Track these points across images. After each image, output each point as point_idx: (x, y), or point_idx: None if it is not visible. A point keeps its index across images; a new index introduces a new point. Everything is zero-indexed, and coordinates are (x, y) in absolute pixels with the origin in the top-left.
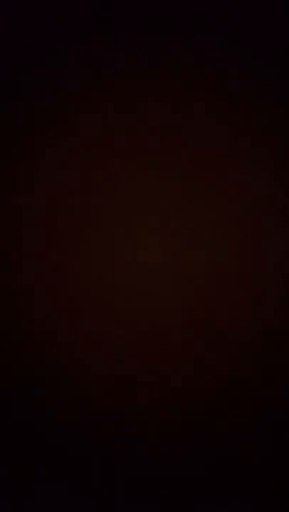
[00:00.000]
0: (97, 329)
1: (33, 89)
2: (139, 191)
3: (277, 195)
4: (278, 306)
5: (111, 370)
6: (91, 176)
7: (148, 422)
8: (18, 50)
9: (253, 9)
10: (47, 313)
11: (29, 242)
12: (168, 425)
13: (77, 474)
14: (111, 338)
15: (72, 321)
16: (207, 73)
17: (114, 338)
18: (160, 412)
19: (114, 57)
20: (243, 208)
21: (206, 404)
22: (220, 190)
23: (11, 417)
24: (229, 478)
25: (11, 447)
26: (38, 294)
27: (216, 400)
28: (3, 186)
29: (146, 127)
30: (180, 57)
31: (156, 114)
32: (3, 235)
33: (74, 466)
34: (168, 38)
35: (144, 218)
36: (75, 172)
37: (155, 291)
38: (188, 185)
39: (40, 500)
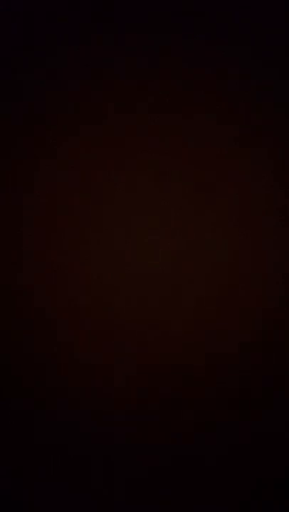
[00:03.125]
0: (97, 329)
1: (33, 89)
2: (139, 191)
3: (277, 195)
4: (278, 306)
5: (110, 371)
6: (91, 176)
7: (148, 421)
8: (18, 50)
9: (253, 9)
10: (47, 313)
11: (29, 242)
12: (168, 425)
13: (77, 474)
14: (111, 338)
15: (72, 321)
16: (207, 73)
17: (114, 339)
18: (160, 412)
19: (114, 57)
20: (243, 208)
21: (206, 404)
22: (220, 190)
23: (10, 416)
24: (229, 479)
25: (11, 447)
26: (38, 294)
27: (216, 400)
28: (3, 186)
29: (146, 127)
30: (180, 57)
31: (156, 114)
32: (3, 236)
33: (74, 466)
34: (168, 38)
35: (144, 218)
36: (75, 172)
37: (155, 291)
38: (188, 185)
39: (40, 500)
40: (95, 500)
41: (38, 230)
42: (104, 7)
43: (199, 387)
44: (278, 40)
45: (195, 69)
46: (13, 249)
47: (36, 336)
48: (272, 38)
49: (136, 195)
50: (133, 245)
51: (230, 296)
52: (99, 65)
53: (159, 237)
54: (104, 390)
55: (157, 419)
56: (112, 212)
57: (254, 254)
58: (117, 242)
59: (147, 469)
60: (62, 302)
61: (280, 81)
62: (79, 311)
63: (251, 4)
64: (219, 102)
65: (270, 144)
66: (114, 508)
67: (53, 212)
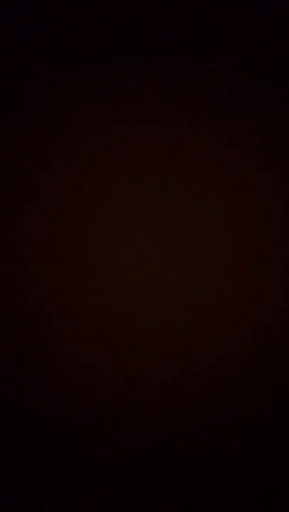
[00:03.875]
0: (98, 331)
1: (33, 100)
2: (139, 201)
3: (278, 203)
4: (278, 313)
5: (110, 371)
6: (90, 185)
7: (147, 421)
8: (18, 58)
9: (253, 17)
10: (47, 318)
11: (31, 245)
12: (168, 426)
13: (76, 473)
14: (113, 340)
15: (74, 324)
16: (207, 83)
17: (115, 341)
18: (160, 412)
19: (114, 66)
20: (244, 217)
21: (205, 404)
22: (220, 199)
23: (11, 416)
24: (229, 480)
25: (10, 447)
26: (38, 295)
27: (216, 402)
28: (5, 190)
29: (146, 134)
30: (180, 68)
31: (156, 121)
32: (4, 238)
33: (73, 465)
34: (168, 51)
35: (144, 228)
36: (75, 182)
37: (156, 301)
38: (189, 194)
39: (39, 499)
40: (94, 501)
41: (39, 237)
42: (103, 12)
43: (198, 387)
44: (278, 44)
45: (195, 76)
46: (14, 251)
47: (38, 336)
48: (273, 42)
49: (136, 205)
50: (135, 249)
51: (232, 299)
52: (98, 74)
53: (160, 246)
54: (104, 390)
55: (156, 420)
56: (111, 221)
57: (254, 262)
58: (119, 245)
59: (147, 468)
60: (62, 309)
61: (280, 87)
62: (80, 317)
63: (252, 15)
64: (220, 109)
65: (270, 151)
66: (114, 507)
67: (53, 221)
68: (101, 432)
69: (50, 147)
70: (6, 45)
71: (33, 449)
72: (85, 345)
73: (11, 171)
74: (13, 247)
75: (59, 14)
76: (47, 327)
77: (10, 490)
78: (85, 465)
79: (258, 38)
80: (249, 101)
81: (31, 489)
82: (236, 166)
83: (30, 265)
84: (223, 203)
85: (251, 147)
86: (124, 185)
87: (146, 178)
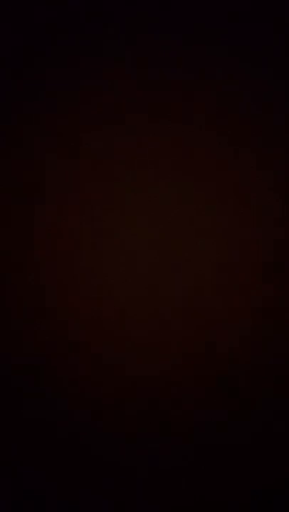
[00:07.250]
0: (97, 329)
1: (33, 100)
2: (138, 202)
3: (277, 206)
4: (279, 314)
5: (111, 370)
6: (90, 187)
7: (147, 420)
8: (17, 60)
9: (254, 19)
10: (49, 318)
11: (33, 244)
12: (167, 425)
13: (75, 468)
14: (113, 337)
15: (74, 327)
16: (207, 83)
17: (114, 338)
18: (159, 411)
19: (114, 68)
20: (243, 220)
21: (205, 401)
22: (220, 202)
23: (10, 414)
24: (229, 479)
25: (10, 444)
26: (38, 294)
27: (215, 398)
28: (5, 189)
29: (146, 138)
30: (180, 68)
31: (156, 125)
32: (5, 237)
33: (73, 462)
34: (168, 49)
35: (145, 227)
36: (75, 182)
37: (154, 302)
38: (188, 197)
39: (39, 497)
40: (93, 499)
41: (40, 235)
42: (101, 17)
43: (199, 384)
44: (279, 48)
45: (195, 79)
46: (16, 250)
47: (38, 336)
48: (273, 46)
49: (135, 206)
50: (135, 248)
51: (231, 298)
52: (99, 75)
53: (159, 249)
54: (104, 389)
55: (157, 418)
56: (111, 223)
57: (256, 257)
58: (116, 255)
59: (147, 467)
60: (62, 308)
61: (280, 90)
62: (80, 318)
63: (252, 15)
64: (219, 112)
65: (270, 154)
66: (114, 507)
67: (53, 221)
68: (100, 428)
69: (50, 147)
70: (5, 44)
71: (32, 441)
72: (85, 343)
73: (11, 170)
74: (14, 245)
75: (59, 14)
76: (46, 326)
77: (8, 488)
78: (84, 457)
79: (259, 37)
80: (250, 101)
81: (28, 487)
82: (236, 166)
83: (30, 265)
84: (223, 203)
85: (251, 147)
86: (124, 184)
87: (146, 177)
